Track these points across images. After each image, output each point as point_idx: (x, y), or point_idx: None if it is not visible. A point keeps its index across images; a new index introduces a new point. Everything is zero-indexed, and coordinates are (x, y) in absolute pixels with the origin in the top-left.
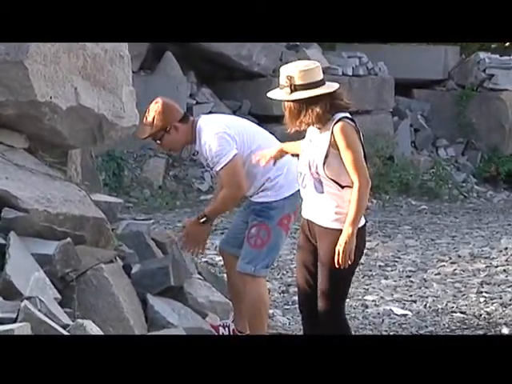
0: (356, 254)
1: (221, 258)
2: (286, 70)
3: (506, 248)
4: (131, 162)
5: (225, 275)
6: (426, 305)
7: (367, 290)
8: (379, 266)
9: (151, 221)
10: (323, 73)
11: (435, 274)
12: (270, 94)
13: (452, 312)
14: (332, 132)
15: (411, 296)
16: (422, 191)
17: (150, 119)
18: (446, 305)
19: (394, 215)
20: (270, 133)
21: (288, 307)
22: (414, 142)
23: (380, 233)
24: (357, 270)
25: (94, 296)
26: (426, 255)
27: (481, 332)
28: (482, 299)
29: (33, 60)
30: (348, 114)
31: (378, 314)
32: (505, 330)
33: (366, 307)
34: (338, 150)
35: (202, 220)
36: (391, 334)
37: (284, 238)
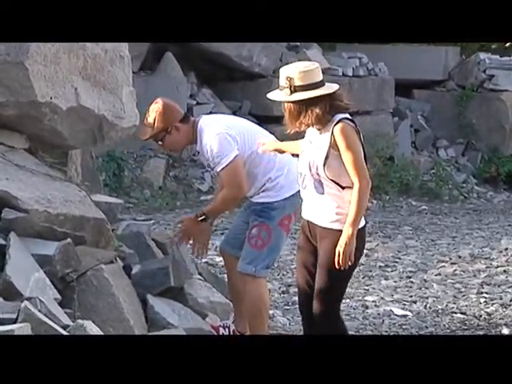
0: (355, 256)
1: (221, 258)
2: (285, 71)
3: (507, 249)
4: (131, 162)
5: (225, 276)
6: (426, 305)
7: (367, 290)
8: (379, 266)
9: (151, 221)
10: (323, 73)
11: (435, 275)
12: (270, 96)
13: (452, 313)
14: (332, 133)
15: (411, 297)
16: (423, 192)
17: (150, 120)
18: (447, 305)
19: (394, 216)
20: (270, 133)
21: (288, 308)
22: (414, 143)
23: (380, 233)
24: (357, 270)
25: (94, 296)
26: (427, 256)
27: (481, 333)
28: (482, 300)
29: (33, 60)
30: (348, 115)
31: (379, 314)
32: (505, 331)
33: (367, 308)
34: (339, 151)
35: (200, 218)
36: (391, 334)
37: (285, 239)
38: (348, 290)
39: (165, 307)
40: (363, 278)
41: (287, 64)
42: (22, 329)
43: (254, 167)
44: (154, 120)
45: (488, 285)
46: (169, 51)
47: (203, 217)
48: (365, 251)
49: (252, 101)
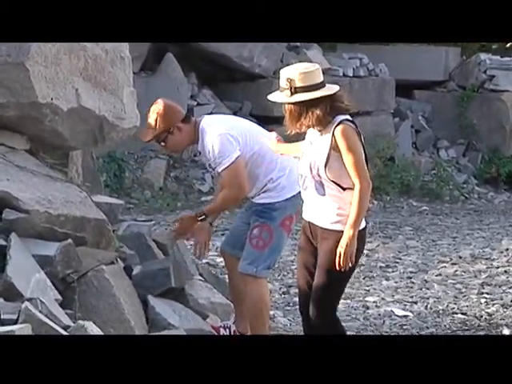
0: (355, 257)
1: (222, 259)
2: (286, 73)
3: (507, 249)
4: (132, 163)
5: (226, 276)
6: (426, 306)
7: (368, 291)
8: (380, 267)
9: (152, 222)
10: (323, 74)
11: (436, 275)
12: (271, 97)
13: (453, 313)
14: (333, 134)
15: (412, 297)
16: (423, 192)
17: (152, 121)
18: (447, 306)
19: (394, 216)
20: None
21: (289, 308)
22: (414, 143)
23: (381, 234)
24: (358, 271)
25: (94, 297)
26: (427, 256)
27: (482, 333)
28: (482, 300)
29: (34, 61)
30: (348, 117)
31: (379, 315)
32: (506, 331)
33: (367, 308)
34: (339, 152)
35: (200, 218)
36: (392, 334)
37: (286, 239)
38: (349, 290)
39: (165, 308)
40: (364, 278)
41: (288, 65)
42: (22, 329)
43: (255, 168)
44: (156, 121)
45: (489, 285)
46: (169, 52)
47: (203, 216)
48: (365, 252)
49: (252, 101)
